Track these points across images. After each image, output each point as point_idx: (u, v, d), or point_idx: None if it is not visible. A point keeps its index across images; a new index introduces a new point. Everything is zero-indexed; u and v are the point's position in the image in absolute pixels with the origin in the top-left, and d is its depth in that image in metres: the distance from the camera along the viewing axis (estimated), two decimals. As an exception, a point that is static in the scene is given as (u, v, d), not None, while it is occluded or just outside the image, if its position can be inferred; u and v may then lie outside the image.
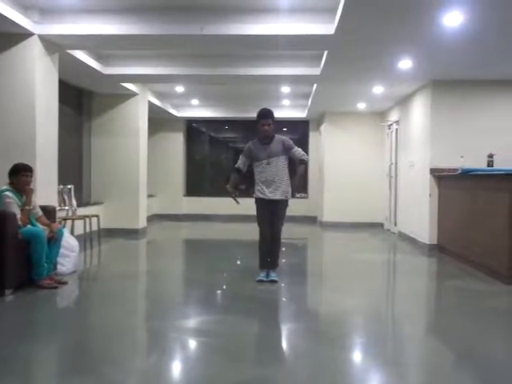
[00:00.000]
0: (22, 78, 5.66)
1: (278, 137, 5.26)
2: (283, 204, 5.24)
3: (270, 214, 5.21)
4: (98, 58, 7.23)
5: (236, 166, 5.41)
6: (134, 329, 3.97)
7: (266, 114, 5.20)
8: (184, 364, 3.23)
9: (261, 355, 3.34)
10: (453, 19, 4.88)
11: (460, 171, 6.56)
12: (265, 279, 5.19)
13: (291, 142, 5.31)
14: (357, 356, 3.40)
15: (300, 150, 5.30)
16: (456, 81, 7.51)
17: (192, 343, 3.61)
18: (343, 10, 4.63)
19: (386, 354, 3.38)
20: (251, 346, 3.53)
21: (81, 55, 6.66)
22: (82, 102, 8.98)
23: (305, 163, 5.30)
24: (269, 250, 5.26)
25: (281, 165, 5.19)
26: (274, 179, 5.15)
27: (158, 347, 3.42)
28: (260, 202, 5.25)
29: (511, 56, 6.26)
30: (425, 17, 4.88)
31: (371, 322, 4.17)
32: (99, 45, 6.42)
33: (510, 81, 7.41)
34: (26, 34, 5.55)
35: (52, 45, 5.88)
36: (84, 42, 6.01)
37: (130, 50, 7.05)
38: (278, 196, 5.17)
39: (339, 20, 4.91)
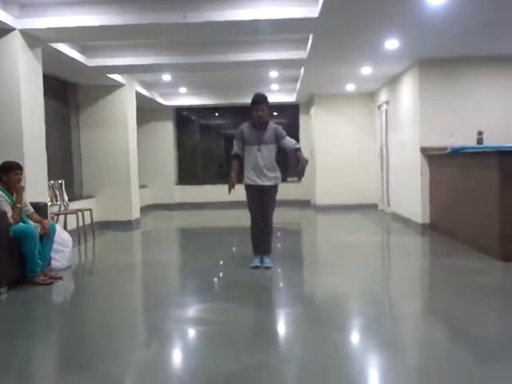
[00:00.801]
0: (5, 73, 5.60)
1: (271, 124, 5.25)
2: (273, 190, 5.26)
3: (261, 200, 5.23)
4: (82, 50, 7.14)
5: (233, 152, 5.34)
6: (131, 321, 3.97)
7: (259, 99, 5.16)
8: (182, 353, 3.25)
9: (259, 341, 3.37)
10: (437, -3, 4.86)
11: (450, 150, 6.57)
12: (259, 264, 5.23)
13: (283, 131, 5.30)
14: (354, 338, 3.44)
15: (292, 139, 5.28)
16: (443, 59, 7.49)
17: (190, 332, 3.63)
18: (326, -8, 4.59)
19: (383, 335, 3.41)
20: (249, 332, 3.56)
21: (64, 48, 6.58)
22: (68, 95, 8.90)
23: (301, 151, 5.21)
24: (261, 236, 5.29)
25: (271, 152, 5.19)
26: (264, 166, 5.16)
27: (156, 338, 3.44)
28: (250, 189, 5.27)
29: (497, 32, 6.25)
30: (409, -4, 4.85)
31: (367, 303, 4.21)
32: (82, 37, 6.33)
33: (497, 57, 7.40)
34: (6, 29, 5.49)
35: (34, 39, 5.81)
36: (66, 34, 5.94)
37: (114, 40, 6.97)
38: (268, 182, 5.19)
39: (323, 2, 4.87)
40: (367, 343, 3.32)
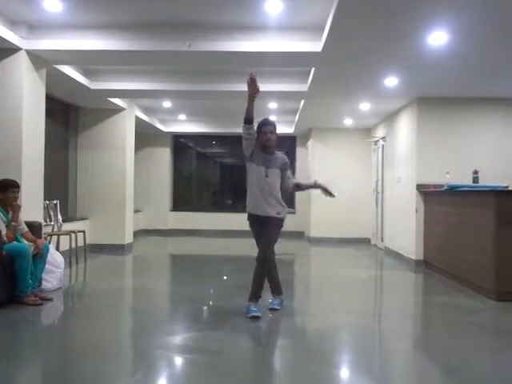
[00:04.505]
0: (9, 92, 5.65)
1: (278, 153, 4.72)
2: (275, 222, 4.57)
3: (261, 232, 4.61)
4: (86, 73, 7.22)
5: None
6: (120, 346, 3.92)
7: (267, 121, 4.69)
8: (169, 382, 3.18)
9: (249, 372, 3.31)
10: (438, 38, 4.98)
11: (446, 187, 6.63)
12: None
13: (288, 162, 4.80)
14: (345, 372, 3.39)
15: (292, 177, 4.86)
16: (441, 98, 7.63)
17: (177, 360, 3.56)
18: (330, 28, 4.70)
19: (374, 370, 3.37)
20: (239, 362, 3.50)
21: (68, 70, 6.65)
22: (68, 116, 8.95)
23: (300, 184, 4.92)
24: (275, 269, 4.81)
25: (276, 179, 4.60)
26: (268, 193, 4.52)
27: (144, 365, 3.37)
28: (251, 220, 4.68)
29: (495, 74, 6.40)
30: (410, 36, 4.97)
31: (359, 337, 4.16)
32: (87, 60, 6.41)
33: (494, 98, 7.55)
34: (13, 49, 5.56)
35: (39, 60, 5.87)
36: (71, 57, 6.02)
37: (118, 65, 7.05)
38: (271, 212, 4.53)
39: (326, 38, 4.98)
40: (358, 378, 3.26)
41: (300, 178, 12.63)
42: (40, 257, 5.04)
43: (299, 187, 4.89)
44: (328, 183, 4.82)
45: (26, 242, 5.04)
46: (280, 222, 4.62)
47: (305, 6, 4.88)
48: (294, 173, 12.80)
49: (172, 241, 11.74)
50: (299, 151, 12.88)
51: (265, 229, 4.57)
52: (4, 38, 5.23)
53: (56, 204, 7.59)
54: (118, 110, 9.04)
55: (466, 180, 6.94)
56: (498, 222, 5.24)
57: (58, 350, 3.75)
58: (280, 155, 4.72)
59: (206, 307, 5.25)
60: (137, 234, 10.78)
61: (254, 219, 4.65)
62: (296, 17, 5.15)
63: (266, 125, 4.65)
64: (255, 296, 4.56)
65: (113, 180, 9.08)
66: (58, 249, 6.82)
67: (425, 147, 7.72)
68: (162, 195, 12.90)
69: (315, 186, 4.82)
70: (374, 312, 5.42)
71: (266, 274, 4.68)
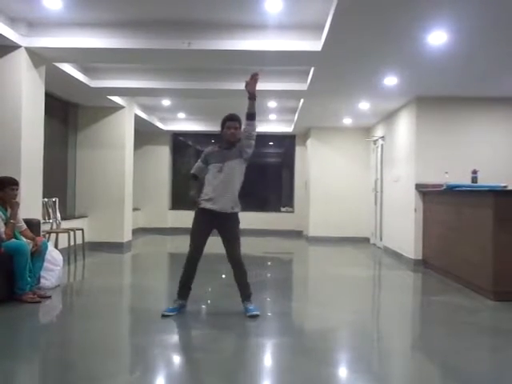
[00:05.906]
0: (8, 90, 5.64)
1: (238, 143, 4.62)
2: (234, 219, 4.56)
3: (222, 236, 4.63)
4: (85, 70, 7.21)
5: (192, 172, 4.79)
6: (119, 344, 3.92)
7: (233, 116, 4.64)
8: (167, 380, 3.18)
9: (246, 370, 3.31)
10: (437, 38, 4.98)
11: (445, 187, 6.63)
12: (173, 313, 4.43)
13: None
14: (343, 372, 3.39)
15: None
16: (441, 97, 7.63)
17: (176, 358, 3.57)
18: (330, 27, 4.70)
19: (372, 369, 3.37)
20: (238, 361, 3.50)
21: (67, 68, 6.64)
22: (68, 114, 8.94)
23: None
24: (194, 273, 4.67)
25: (234, 172, 4.53)
26: (223, 189, 4.46)
27: (142, 363, 3.37)
28: (201, 214, 4.57)
29: (494, 74, 6.40)
30: (410, 36, 4.97)
31: (357, 337, 4.17)
32: (86, 58, 6.40)
33: (493, 98, 7.55)
34: (12, 47, 5.55)
35: (39, 57, 5.87)
36: (71, 55, 6.00)
37: (117, 63, 7.05)
38: (225, 208, 4.47)
39: (326, 37, 4.98)
40: (356, 378, 3.26)
41: (298, 177, 12.68)
42: (38, 254, 5.03)
43: (250, 115, 4.59)
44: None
45: (24, 239, 5.03)
46: (236, 217, 4.58)
47: (305, 5, 4.88)
48: (292, 172, 12.85)
49: (171, 239, 11.73)
50: (298, 150, 12.88)
51: (225, 228, 4.56)
52: (3, 36, 5.22)
53: (55, 202, 7.58)
54: (118, 108, 9.03)
55: (464, 180, 6.94)
56: (496, 221, 5.24)
57: (57, 348, 3.74)
58: (239, 144, 4.59)
59: (204, 306, 5.25)
60: (136, 232, 10.78)
61: (206, 214, 4.53)
62: (296, 16, 5.15)
63: (231, 120, 4.66)
64: (247, 297, 4.57)
65: (112, 178, 9.07)
66: (56, 247, 6.81)
67: (424, 147, 7.72)
68: (161, 193, 12.90)
69: (250, 97, 4.60)
70: (373, 311, 5.42)
71: (245, 272, 4.61)
